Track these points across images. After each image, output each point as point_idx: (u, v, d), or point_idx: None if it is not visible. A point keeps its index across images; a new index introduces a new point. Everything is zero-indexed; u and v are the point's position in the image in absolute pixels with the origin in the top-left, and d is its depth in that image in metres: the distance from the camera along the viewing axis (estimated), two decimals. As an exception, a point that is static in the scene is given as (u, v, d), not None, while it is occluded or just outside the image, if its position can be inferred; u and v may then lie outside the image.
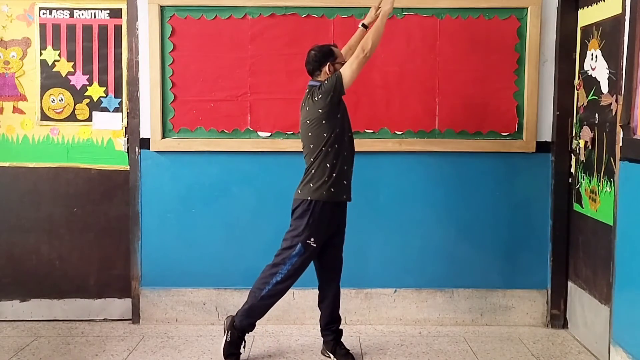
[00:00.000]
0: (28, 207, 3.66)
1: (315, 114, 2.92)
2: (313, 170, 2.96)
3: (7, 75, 3.62)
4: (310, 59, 3.02)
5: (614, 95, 2.97)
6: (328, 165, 2.93)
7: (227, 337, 3.06)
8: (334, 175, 2.94)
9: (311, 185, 2.95)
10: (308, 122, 2.96)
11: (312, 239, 2.95)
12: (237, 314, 3.08)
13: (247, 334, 3.12)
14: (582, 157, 3.39)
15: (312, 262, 3.08)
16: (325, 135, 2.92)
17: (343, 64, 2.98)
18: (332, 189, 2.94)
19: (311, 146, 2.96)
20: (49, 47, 3.60)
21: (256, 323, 3.13)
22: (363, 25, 3.21)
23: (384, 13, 3.01)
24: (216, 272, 3.63)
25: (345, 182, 2.99)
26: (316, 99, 2.92)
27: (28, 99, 3.63)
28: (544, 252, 3.62)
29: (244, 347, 3.11)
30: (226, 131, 3.56)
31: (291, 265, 2.98)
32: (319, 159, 2.94)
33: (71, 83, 3.62)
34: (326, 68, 2.98)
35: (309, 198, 2.94)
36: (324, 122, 2.92)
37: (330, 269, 3.13)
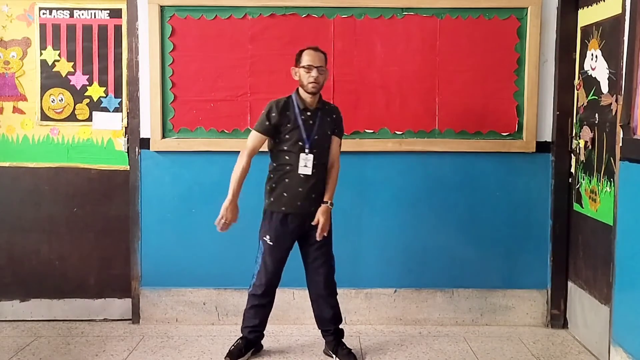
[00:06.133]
0: (28, 207, 3.66)
1: None
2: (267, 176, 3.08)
3: (7, 75, 3.62)
4: None
5: (614, 95, 2.97)
6: (271, 175, 3.03)
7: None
8: (273, 185, 3.01)
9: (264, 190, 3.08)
10: None
11: (268, 237, 3.01)
12: None
13: (255, 344, 3.20)
14: (582, 157, 3.39)
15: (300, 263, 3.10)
16: (269, 147, 3.02)
17: (304, 68, 2.95)
18: (272, 198, 3.02)
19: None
20: (49, 47, 3.60)
21: (263, 333, 3.20)
22: (326, 202, 3.05)
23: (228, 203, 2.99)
24: (216, 272, 3.63)
25: (285, 194, 2.98)
26: None
27: (28, 99, 3.63)
28: (544, 252, 3.62)
29: (246, 352, 3.14)
30: (226, 131, 3.56)
31: (258, 264, 3.05)
32: (268, 166, 3.06)
33: (71, 83, 3.62)
34: (293, 71, 3.04)
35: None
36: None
37: (308, 272, 3.12)
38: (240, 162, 2.95)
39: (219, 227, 2.96)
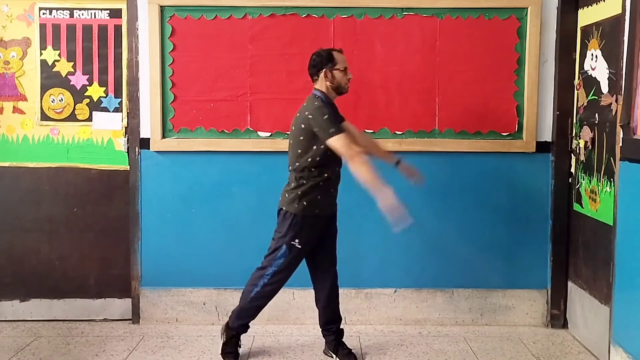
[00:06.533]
0: (28, 207, 3.66)
1: (299, 128, 2.90)
2: (291, 180, 2.98)
3: (7, 75, 3.62)
4: (310, 63, 2.99)
5: (614, 95, 2.97)
6: (303, 181, 2.94)
7: (222, 337, 3.13)
8: (307, 189, 2.93)
9: (287, 195, 2.98)
10: (294, 128, 2.94)
11: (297, 241, 2.96)
12: (230, 315, 3.13)
13: (243, 334, 3.16)
14: (582, 157, 3.39)
15: (303, 262, 3.08)
16: (308, 147, 2.90)
17: (343, 71, 2.94)
18: (305, 202, 2.94)
19: (291, 153, 2.96)
20: (49, 47, 3.60)
21: (251, 324, 3.15)
22: (397, 161, 3.17)
23: (375, 187, 2.80)
24: (216, 272, 3.63)
25: (319, 197, 2.95)
26: (307, 114, 2.87)
27: (28, 99, 3.63)
28: (544, 252, 3.62)
29: (240, 346, 3.14)
30: (226, 131, 3.56)
31: (277, 267, 2.99)
32: (296, 171, 2.95)
33: (71, 83, 3.62)
34: (322, 74, 2.94)
35: (284, 208, 2.97)
36: (310, 136, 2.89)
37: (321, 270, 3.11)
38: (362, 158, 2.78)
39: (400, 222, 2.72)
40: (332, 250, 3.13)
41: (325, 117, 2.83)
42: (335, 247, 3.13)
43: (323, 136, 2.83)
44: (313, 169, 2.92)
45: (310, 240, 3.01)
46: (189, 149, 3.56)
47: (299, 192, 2.93)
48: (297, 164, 2.93)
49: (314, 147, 2.89)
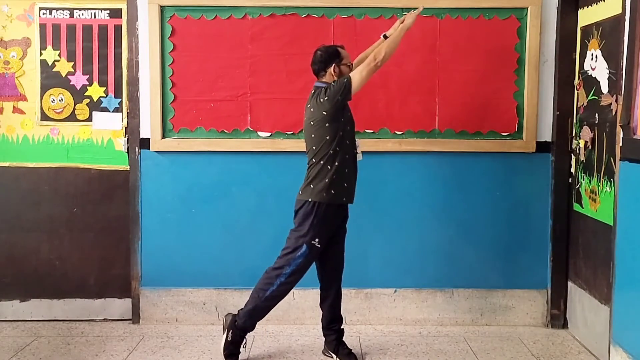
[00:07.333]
0: (28, 207, 3.66)
1: (319, 115, 2.92)
2: (314, 172, 2.97)
3: (7, 75, 3.62)
4: (316, 59, 3.01)
5: (614, 95, 2.97)
6: (329, 167, 2.94)
7: (228, 336, 3.06)
8: (334, 177, 2.94)
9: (312, 186, 2.96)
10: (312, 123, 2.95)
11: (317, 240, 2.96)
12: (239, 314, 3.08)
13: (247, 334, 3.14)
14: (582, 157, 3.39)
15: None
16: (327, 137, 2.92)
17: (349, 66, 3.01)
18: (333, 191, 2.95)
19: (314, 147, 2.97)
20: (49, 47, 3.60)
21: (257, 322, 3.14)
22: (384, 35, 3.17)
23: (404, 26, 3.04)
24: (216, 272, 3.63)
25: (345, 184, 2.98)
26: (322, 100, 2.91)
27: (28, 99, 3.63)
28: (544, 252, 3.62)
29: (244, 346, 3.11)
30: (226, 131, 3.56)
31: (296, 266, 2.99)
32: (320, 161, 2.95)
33: (71, 83, 3.62)
34: (331, 69, 2.97)
35: (310, 199, 2.95)
36: (327, 124, 2.91)
37: (332, 269, 3.13)
38: (378, 52, 2.91)
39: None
40: (342, 251, 3.15)
41: (334, 83, 2.91)
42: (344, 247, 3.15)
43: (345, 87, 2.88)
44: (334, 155, 2.94)
45: (328, 233, 3.01)
46: (189, 149, 3.56)
47: (327, 181, 2.93)
48: (319, 153, 2.94)
49: (332, 134, 2.92)
